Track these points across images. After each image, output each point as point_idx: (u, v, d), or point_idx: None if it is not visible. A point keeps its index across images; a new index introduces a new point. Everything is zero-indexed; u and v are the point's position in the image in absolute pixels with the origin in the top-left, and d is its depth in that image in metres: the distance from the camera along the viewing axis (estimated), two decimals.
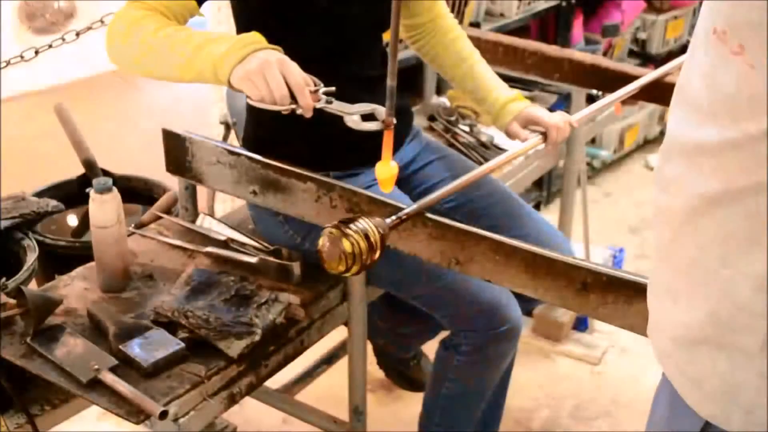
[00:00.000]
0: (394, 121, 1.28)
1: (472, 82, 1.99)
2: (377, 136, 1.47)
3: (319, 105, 1.52)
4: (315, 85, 1.54)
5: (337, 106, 1.53)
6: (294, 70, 1.51)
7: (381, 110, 1.49)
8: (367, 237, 1.24)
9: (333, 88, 1.54)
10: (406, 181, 1.96)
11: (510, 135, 1.94)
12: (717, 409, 0.96)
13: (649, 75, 2.06)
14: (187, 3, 1.64)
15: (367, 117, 1.53)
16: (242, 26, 1.80)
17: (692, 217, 0.94)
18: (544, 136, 1.86)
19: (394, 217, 1.37)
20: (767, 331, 0.90)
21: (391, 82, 1.24)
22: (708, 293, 0.94)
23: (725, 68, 0.88)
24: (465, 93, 2.05)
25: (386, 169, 1.29)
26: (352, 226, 1.24)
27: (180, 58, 1.55)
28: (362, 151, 1.63)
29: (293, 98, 1.51)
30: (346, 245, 1.23)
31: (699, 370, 0.96)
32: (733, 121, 0.88)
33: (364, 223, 1.25)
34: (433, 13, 2.01)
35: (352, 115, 1.52)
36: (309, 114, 1.51)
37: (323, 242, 1.25)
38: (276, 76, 1.48)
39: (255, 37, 1.54)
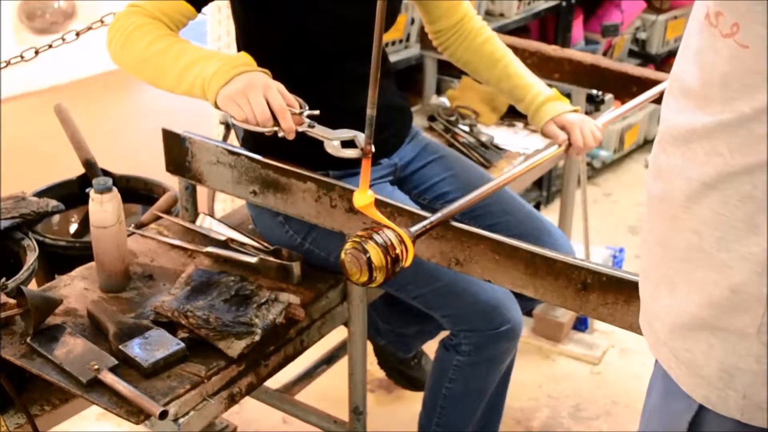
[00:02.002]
0: (373, 149, 1.31)
1: (507, 83, 1.98)
2: (377, 135, 1.47)
3: (300, 128, 1.56)
4: (300, 108, 1.58)
5: (319, 131, 1.57)
6: (276, 94, 1.55)
7: (361, 137, 1.52)
8: (393, 248, 1.22)
9: (317, 112, 1.59)
10: (405, 182, 1.96)
11: (546, 135, 1.94)
12: (713, 394, 0.97)
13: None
14: (183, 8, 1.66)
15: (347, 144, 1.56)
16: (241, 26, 1.80)
17: (688, 203, 0.94)
18: (569, 145, 1.88)
19: (419, 226, 1.36)
20: (763, 315, 0.91)
21: (370, 111, 1.25)
22: (705, 278, 0.94)
23: (717, 51, 0.89)
24: (502, 94, 2.04)
25: (363, 197, 1.29)
26: (377, 237, 1.22)
27: (171, 74, 1.60)
28: (375, 145, 1.63)
29: (277, 121, 1.55)
30: (374, 258, 1.21)
31: (695, 356, 0.97)
32: (726, 103, 0.89)
33: (389, 234, 1.24)
34: (458, 15, 1.99)
35: (332, 140, 1.55)
36: (290, 137, 1.56)
37: (347, 253, 1.23)
38: (259, 99, 1.53)
39: (243, 59, 1.58)
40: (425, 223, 1.41)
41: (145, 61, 1.62)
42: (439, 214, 1.45)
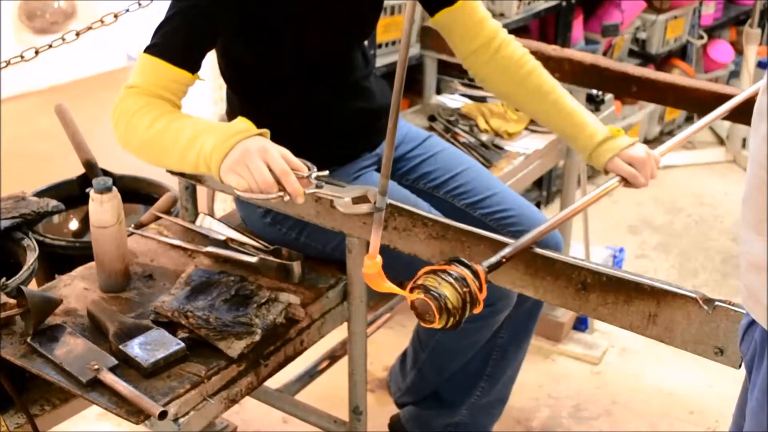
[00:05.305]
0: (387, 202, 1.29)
1: (558, 118, 1.88)
2: (374, 134, 1.44)
3: (309, 190, 1.46)
4: (309, 170, 1.48)
5: (328, 191, 1.47)
6: (276, 156, 1.45)
7: (372, 191, 1.41)
8: (467, 285, 1.19)
9: (326, 172, 1.49)
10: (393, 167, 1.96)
11: (609, 171, 1.85)
12: None
13: (742, 94, 1.99)
14: (179, 77, 1.59)
15: (358, 199, 1.46)
16: (224, 46, 1.79)
17: None
18: (624, 179, 1.81)
19: (493, 260, 1.32)
20: None
21: (383, 182, 1.22)
22: None
23: None
24: (550, 128, 1.95)
25: (373, 264, 1.24)
26: (449, 277, 1.18)
27: (173, 155, 1.53)
28: (362, 143, 1.62)
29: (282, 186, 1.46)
30: (450, 300, 1.18)
31: None
32: None
33: (461, 272, 1.20)
34: (484, 36, 1.87)
35: (343, 198, 1.45)
36: (298, 200, 1.45)
37: (421, 293, 1.19)
38: (258, 165, 1.43)
39: (239, 126, 1.49)
40: (499, 256, 1.35)
41: (147, 144, 1.55)
42: (510, 247, 1.39)
